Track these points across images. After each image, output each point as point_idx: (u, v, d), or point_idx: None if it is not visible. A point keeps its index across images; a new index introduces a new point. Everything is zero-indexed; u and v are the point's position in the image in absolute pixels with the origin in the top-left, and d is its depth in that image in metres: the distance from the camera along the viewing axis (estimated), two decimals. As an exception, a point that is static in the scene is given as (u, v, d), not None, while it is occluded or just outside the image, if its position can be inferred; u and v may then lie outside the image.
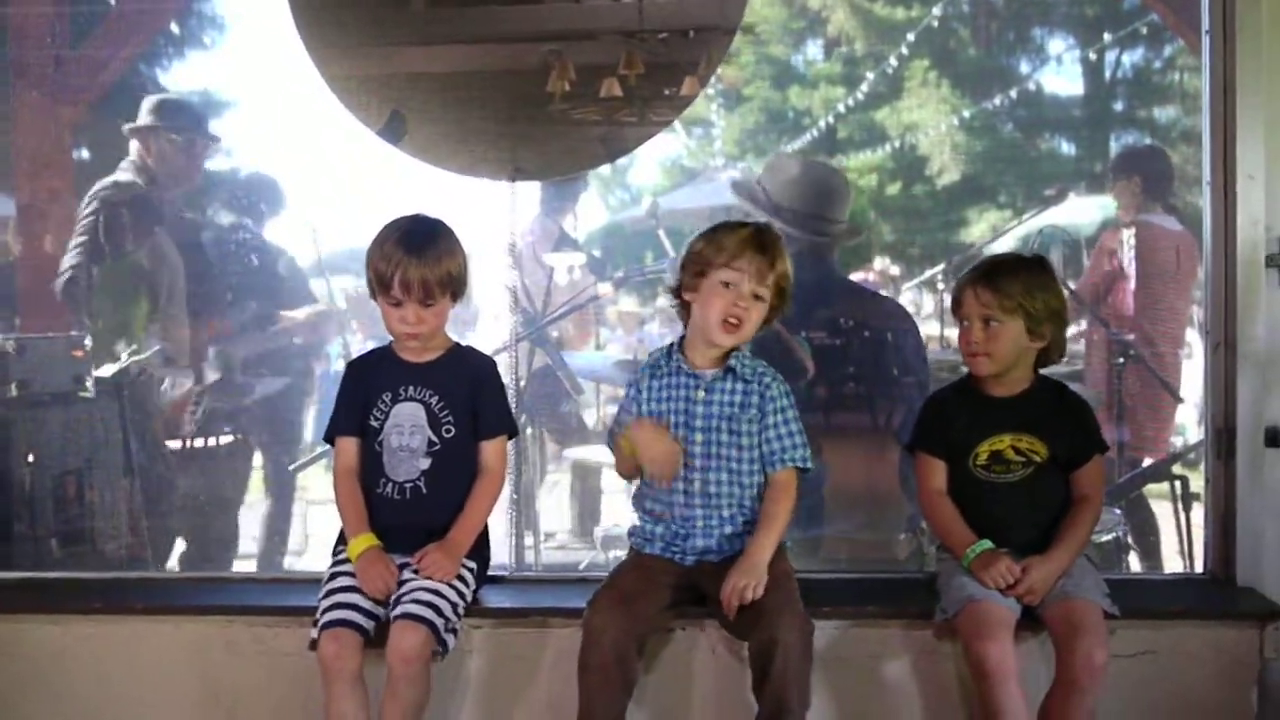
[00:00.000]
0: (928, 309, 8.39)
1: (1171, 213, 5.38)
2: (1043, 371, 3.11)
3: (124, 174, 4.99)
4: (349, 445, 3.11)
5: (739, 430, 2.98)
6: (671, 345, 3.08)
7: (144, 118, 5.08)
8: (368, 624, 2.91)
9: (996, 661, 2.76)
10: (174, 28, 6.75)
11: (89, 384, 4.55)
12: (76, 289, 4.84)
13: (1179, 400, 5.17)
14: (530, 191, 5.64)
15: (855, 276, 7.59)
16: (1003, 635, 2.79)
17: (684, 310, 3.06)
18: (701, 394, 2.99)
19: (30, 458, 4.33)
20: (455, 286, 3.04)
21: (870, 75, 12.29)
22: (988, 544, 2.94)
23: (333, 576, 3.00)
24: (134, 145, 5.06)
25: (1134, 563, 4.66)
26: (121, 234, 4.94)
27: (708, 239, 2.98)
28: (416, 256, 2.97)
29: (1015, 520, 3.00)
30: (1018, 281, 2.99)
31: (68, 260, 4.85)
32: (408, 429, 3.06)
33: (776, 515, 2.95)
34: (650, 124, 4.00)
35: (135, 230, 4.99)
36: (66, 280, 4.83)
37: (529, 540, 4.93)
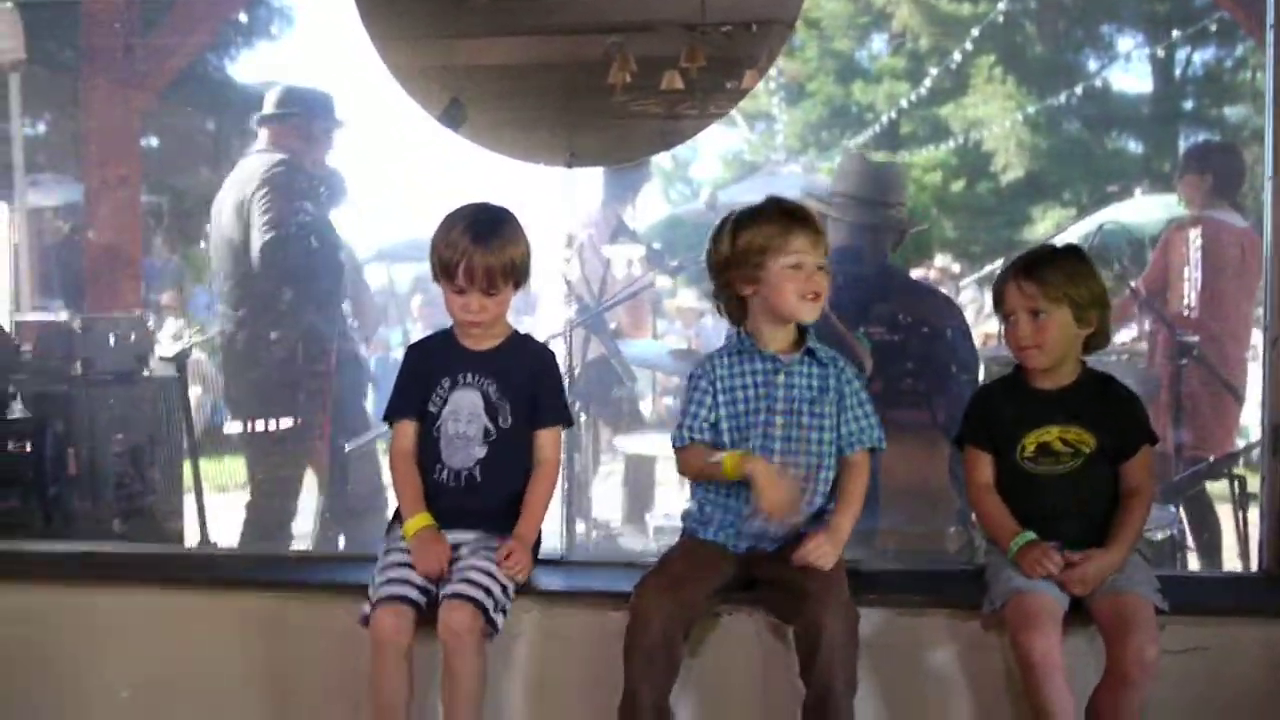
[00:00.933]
0: (989, 306, 8.33)
1: (1237, 210, 5.31)
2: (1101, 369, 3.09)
3: (278, 153, 5.07)
4: (407, 428, 3.13)
5: (820, 413, 3.00)
6: (739, 331, 3.07)
7: (274, 107, 5.15)
8: (421, 600, 2.95)
9: (1042, 653, 2.75)
10: (242, 17, 6.83)
11: (151, 363, 4.66)
12: (276, 256, 4.94)
13: (1240, 400, 5.10)
14: (591, 181, 5.65)
15: (915, 273, 7.55)
16: (1049, 627, 2.78)
17: (737, 305, 3.06)
18: (782, 377, 3.00)
19: (94, 434, 4.42)
20: (518, 275, 3.06)
21: (934, 70, 12.23)
22: (1031, 535, 2.93)
23: (388, 552, 3.04)
24: (264, 133, 5.13)
25: (1192, 562, 4.62)
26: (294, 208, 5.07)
27: (751, 230, 2.97)
28: (483, 245, 2.99)
29: (1064, 512, 2.97)
30: (1059, 270, 2.97)
31: (265, 237, 4.91)
32: (465, 416, 3.08)
33: (855, 494, 2.99)
34: (708, 115, 4.01)
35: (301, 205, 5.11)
36: (269, 248, 4.91)
37: (581, 527, 4.96)
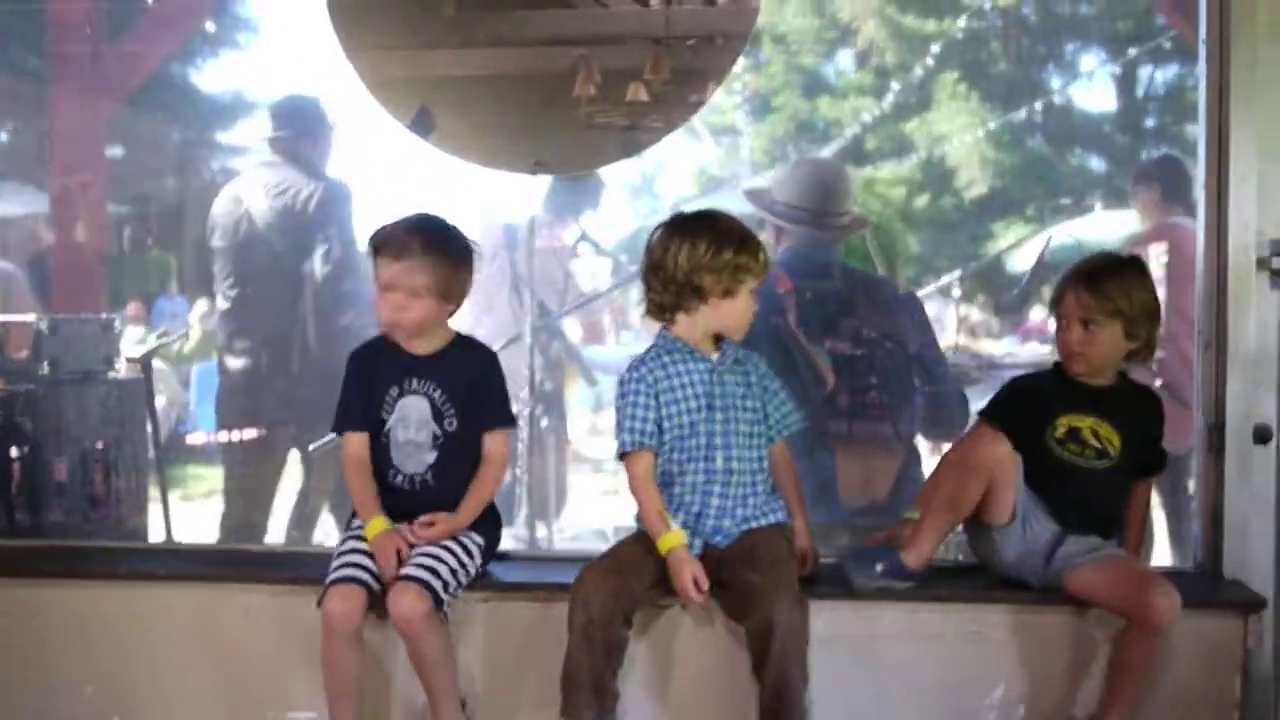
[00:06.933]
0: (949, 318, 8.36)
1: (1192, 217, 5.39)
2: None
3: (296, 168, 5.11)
4: (357, 439, 3.19)
5: (750, 407, 3.13)
6: (667, 337, 3.11)
7: (284, 120, 5.19)
8: (373, 582, 3.04)
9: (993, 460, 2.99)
10: (209, 27, 6.84)
11: (118, 364, 4.71)
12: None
13: (1184, 404, 5.17)
14: (553, 189, 5.71)
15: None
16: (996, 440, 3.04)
17: (679, 307, 3.09)
18: (717, 377, 3.11)
19: (60, 433, 4.46)
20: (445, 287, 3.10)
21: (898, 86, 12.33)
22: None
23: (344, 541, 3.15)
24: (276, 147, 5.17)
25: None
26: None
27: (743, 252, 3.03)
28: (402, 251, 3.06)
29: (1086, 506, 3.08)
30: (1118, 284, 3.06)
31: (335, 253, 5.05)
32: (413, 424, 3.14)
33: (796, 488, 3.22)
34: (669, 126, 4.10)
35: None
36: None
37: (541, 530, 5.04)
